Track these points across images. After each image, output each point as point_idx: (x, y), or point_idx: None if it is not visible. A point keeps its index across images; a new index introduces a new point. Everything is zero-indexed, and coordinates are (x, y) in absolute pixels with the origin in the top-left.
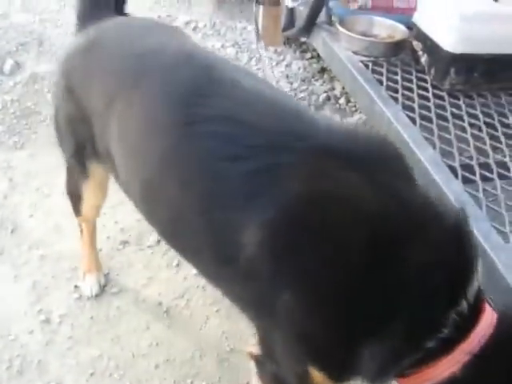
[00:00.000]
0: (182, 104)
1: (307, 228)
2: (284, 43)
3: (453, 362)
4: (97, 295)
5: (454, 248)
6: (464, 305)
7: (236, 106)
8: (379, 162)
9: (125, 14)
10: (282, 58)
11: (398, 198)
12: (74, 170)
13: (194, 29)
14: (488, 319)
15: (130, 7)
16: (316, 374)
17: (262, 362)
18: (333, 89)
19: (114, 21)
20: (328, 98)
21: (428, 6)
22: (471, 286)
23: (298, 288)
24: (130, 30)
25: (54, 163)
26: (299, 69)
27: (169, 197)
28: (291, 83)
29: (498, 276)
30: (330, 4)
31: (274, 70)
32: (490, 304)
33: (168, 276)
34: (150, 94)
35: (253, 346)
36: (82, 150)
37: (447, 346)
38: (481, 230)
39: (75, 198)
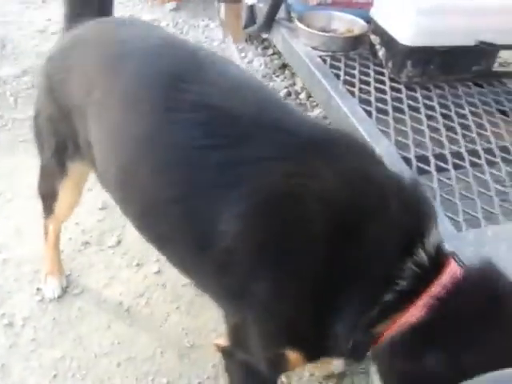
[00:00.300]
0: (163, 88)
1: (280, 219)
2: (246, 40)
3: (417, 309)
4: (59, 297)
5: (405, 208)
6: (423, 257)
7: (219, 94)
8: (348, 151)
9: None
10: (243, 54)
11: (363, 178)
12: (52, 170)
13: None
14: (452, 271)
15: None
16: (293, 356)
17: (230, 352)
18: (294, 84)
19: (96, 20)
20: (289, 94)
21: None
22: (428, 239)
23: (272, 274)
24: (111, 24)
25: (16, 167)
26: (260, 65)
27: (145, 184)
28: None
29: None
30: (289, 0)
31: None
32: (456, 260)
33: (128, 275)
34: (130, 79)
35: (219, 338)
36: (64, 149)
37: (410, 297)
38: None
39: (50, 198)
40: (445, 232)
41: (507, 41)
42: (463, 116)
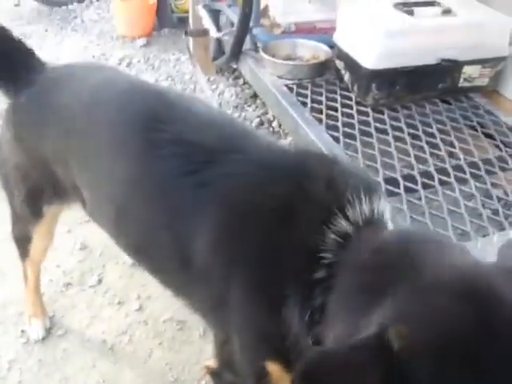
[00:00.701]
0: (142, 130)
1: (242, 227)
2: (217, 71)
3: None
4: (43, 338)
5: (323, 188)
6: (346, 228)
7: (192, 130)
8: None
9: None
10: (215, 86)
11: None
12: (25, 215)
13: (128, 65)
14: (382, 237)
15: (66, 47)
16: (274, 369)
17: (218, 374)
18: (265, 113)
19: (52, 70)
20: (261, 123)
21: (346, 24)
22: (350, 212)
23: (243, 282)
24: (74, 73)
25: None
26: (232, 96)
27: (136, 216)
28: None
29: None
30: (254, 31)
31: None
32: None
33: (110, 314)
34: (110, 126)
35: (209, 360)
36: (39, 194)
37: (343, 266)
38: None
39: (24, 241)
40: None
41: (470, 56)
42: (431, 134)
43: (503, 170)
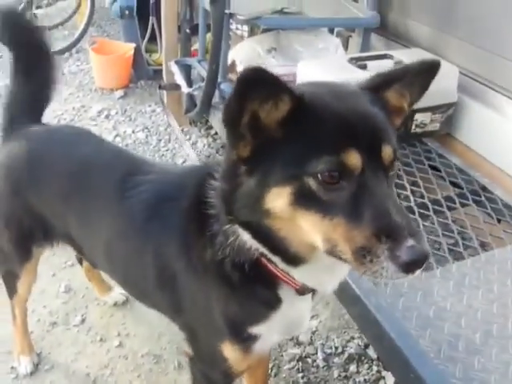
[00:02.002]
0: (119, 186)
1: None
2: (190, 123)
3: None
4: (32, 373)
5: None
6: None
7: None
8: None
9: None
10: (188, 137)
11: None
12: (12, 256)
13: (107, 117)
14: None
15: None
16: (228, 351)
17: (192, 361)
18: None
19: (41, 131)
20: None
21: (305, 77)
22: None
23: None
24: (61, 140)
25: None
26: (204, 146)
27: (119, 252)
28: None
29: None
30: (222, 86)
31: (181, 151)
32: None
33: (93, 350)
34: (96, 188)
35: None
36: (30, 237)
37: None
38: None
39: (12, 278)
40: (364, 287)
41: (421, 104)
42: None
43: (451, 209)
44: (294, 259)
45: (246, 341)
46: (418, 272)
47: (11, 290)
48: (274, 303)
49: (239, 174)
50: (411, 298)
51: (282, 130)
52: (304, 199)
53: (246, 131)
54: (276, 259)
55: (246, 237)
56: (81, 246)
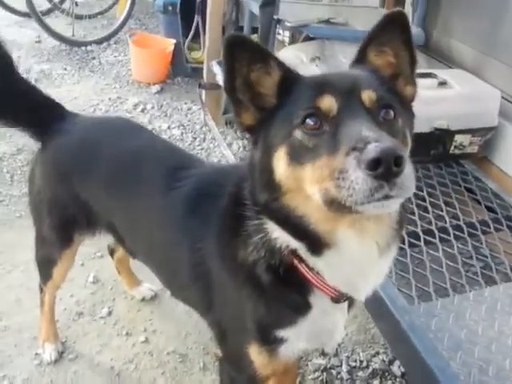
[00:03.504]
0: (166, 180)
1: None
2: (226, 124)
3: None
4: (56, 361)
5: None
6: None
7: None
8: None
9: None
10: (223, 137)
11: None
12: (53, 241)
13: (143, 110)
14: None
15: (84, 89)
16: (255, 353)
17: (221, 363)
18: None
19: (93, 121)
20: None
21: None
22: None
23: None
24: (113, 131)
25: (13, 241)
26: (239, 148)
27: (160, 244)
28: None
29: (404, 336)
30: None
31: (216, 150)
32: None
33: (118, 343)
34: (144, 179)
35: (217, 349)
36: (72, 224)
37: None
38: (386, 293)
39: (48, 264)
40: (398, 305)
41: (461, 126)
42: (421, 198)
43: (485, 233)
44: (317, 243)
45: (272, 343)
46: (387, 172)
47: (46, 276)
48: (302, 309)
49: (253, 156)
50: (444, 319)
51: (276, 99)
52: (296, 154)
53: (243, 96)
54: (302, 249)
55: (275, 234)
56: (123, 235)
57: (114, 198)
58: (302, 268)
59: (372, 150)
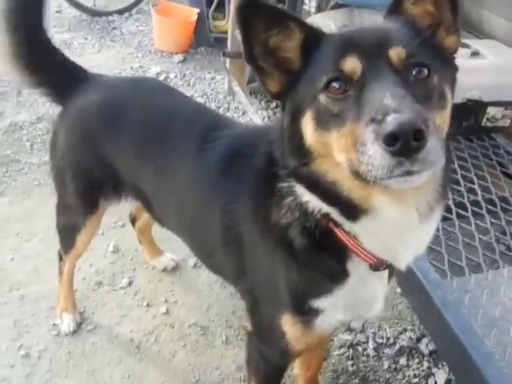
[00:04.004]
0: (198, 141)
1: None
2: (250, 93)
3: None
4: (74, 332)
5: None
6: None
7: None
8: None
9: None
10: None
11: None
12: (77, 207)
13: (165, 79)
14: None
15: (105, 57)
16: (288, 324)
17: (250, 337)
18: None
19: (122, 81)
20: None
21: None
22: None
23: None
24: (144, 91)
25: (32, 209)
26: (264, 118)
27: (191, 207)
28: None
29: (436, 312)
30: None
31: (241, 120)
32: None
33: (138, 315)
34: (176, 140)
35: (246, 322)
36: (98, 189)
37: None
38: (418, 267)
39: (72, 231)
40: (430, 279)
41: (494, 98)
42: (453, 171)
43: None
44: (351, 209)
45: (306, 314)
46: (406, 148)
47: (68, 244)
48: (339, 276)
49: (282, 121)
50: (477, 295)
51: (301, 61)
52: (322, 120)
53: (264, 64)
54: (335, 214)
55: (305, 197)
56: (151, 200)
57: (144, 160)
58: (339, 232)
59: (390, 123)
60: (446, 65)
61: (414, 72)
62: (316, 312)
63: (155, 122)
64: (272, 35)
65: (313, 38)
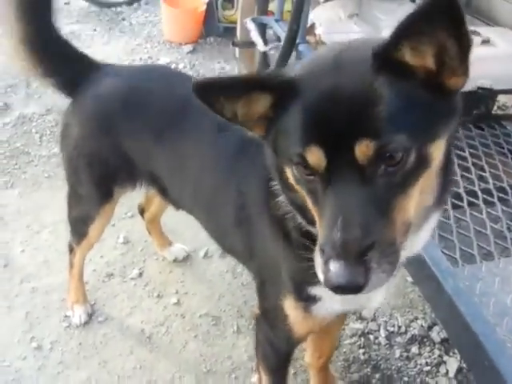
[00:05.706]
0: (215, 124)
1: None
2: None
3: None
4: (85, 323)
5: None
6: None
7: None
8: None
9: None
10: None
11: None
12: (91, 197)
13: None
14: None
15: (114, 48)
16: (290, 307)
17: (258, 321)
18: None
19: (138, 69)
20: None
21: None
22: None
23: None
24: (160, 79)
25: (42, 201)
26: None
27: (207, 187)
28: None
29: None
30: (300, 47)
31: None
32: None
33: (149, 305)
34: (193, 124)
35: (256, 308)
36: (112, 177)
37: None
38: (429, 255)
39: (85, 221)
40: (442, 267)
41: (504, 86)
42: (463, 158)
43: None
44: None
45: (306, 300)
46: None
47: (80, 234)
48: None
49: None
50: (489, 283)
51: (274, 113)
52: (300, 181)
53: (243, 120)
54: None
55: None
56: (166, 185)
57: (162, 144)
58: None
59: (331, 277)
60: (443, 104)
61: (382, 166)
62: (314, 299)
63: (172, 107)
64: (238, 104)
65: (281, 96)
